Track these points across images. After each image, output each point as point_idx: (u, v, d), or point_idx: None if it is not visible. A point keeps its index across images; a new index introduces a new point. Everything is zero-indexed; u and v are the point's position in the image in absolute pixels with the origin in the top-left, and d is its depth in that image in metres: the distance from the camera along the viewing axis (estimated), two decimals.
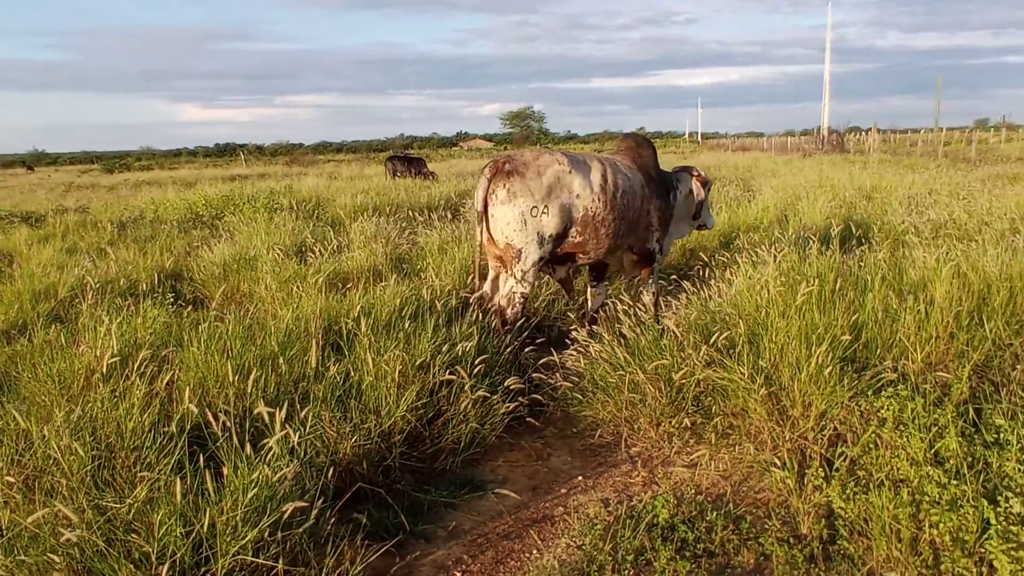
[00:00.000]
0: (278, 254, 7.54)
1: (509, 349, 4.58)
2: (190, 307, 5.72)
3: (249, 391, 3.78)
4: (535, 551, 3.15)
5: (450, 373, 4.05)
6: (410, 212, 11.74)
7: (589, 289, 5.89)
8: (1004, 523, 2.59)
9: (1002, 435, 3.13)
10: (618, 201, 5.05)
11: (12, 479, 2.94)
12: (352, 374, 4.13)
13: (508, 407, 4.07)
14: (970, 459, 3.02)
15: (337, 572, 2.89)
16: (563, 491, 3.68)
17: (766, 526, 3.09)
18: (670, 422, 3.93)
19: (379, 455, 3.70)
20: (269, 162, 52.46)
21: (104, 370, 3.86)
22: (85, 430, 3.15)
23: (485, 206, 4.90)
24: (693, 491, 3.46)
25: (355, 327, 4.42)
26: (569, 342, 4.69)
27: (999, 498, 2.70)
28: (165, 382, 3.88)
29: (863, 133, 41.49)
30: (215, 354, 4.16)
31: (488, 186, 4.86)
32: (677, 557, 2.87)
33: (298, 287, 6.35)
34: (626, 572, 2.86)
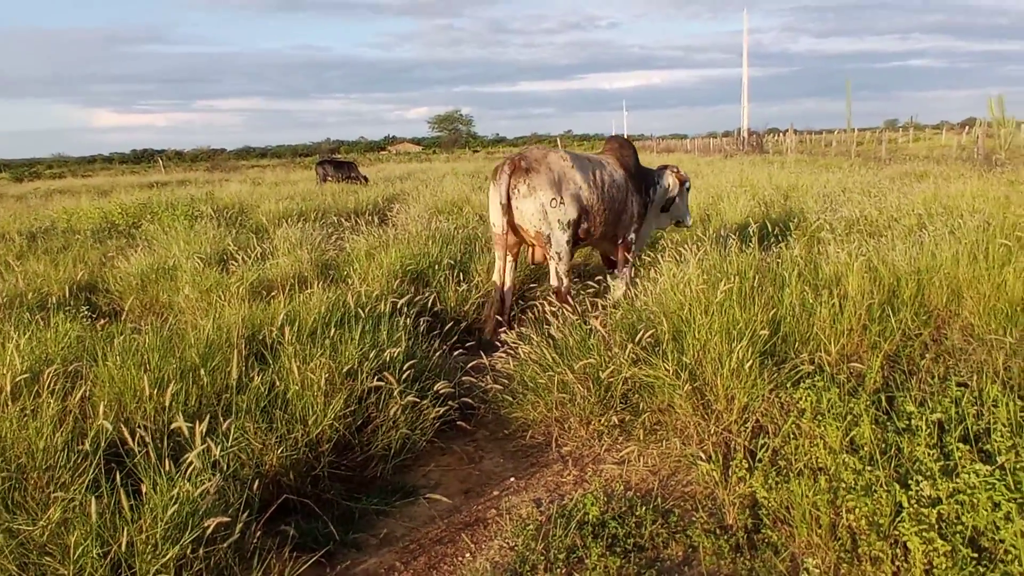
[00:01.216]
0: (198, 263, 7.35)
1: (438, 354, 4.57)
2: (105, 320, 5.52)
3: (168, 405, 3.66)
4: (468, 554, 3.15)
5: (378, 379, 4.02)
6: (337, 217, 11.62)
7: (618, 279, 6.19)
8: (915, 506, 2.72)
9: (913, 421, 3.26)
10: (606, 193, 5.77)
11: None
12: (277, 384, 4.04)
13: (438, 411, 4.06)
14: (883, 445, 3.15)
15: None
16: (495, 493, 3.68)
17: (693, 518, 3.17)
18: (599, 420, 3.98)
19: (307, 465, 3.64)
20: (189, 168, 50.98)
21: (10, 389, 3.68)
22: None
23: (507, 198, 5.46)
24: (623, 487, 3.53)
25: (279, 336, 4.34)
26: (499, 344, 4.71)
27: (910, 482, 2.83)
28: (78, 398, 3.72)
29: (781, 134, 42.99)
30: (131, 367, 4.02)
31: (509, 182, 5.46)
32: (608, 553, 2.91)
33: (220, 296, 6.20)
34: (558, 571, 2.89)
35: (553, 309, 4.75)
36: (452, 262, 7.01)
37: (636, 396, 4.04)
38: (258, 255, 7.74)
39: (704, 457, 3.43)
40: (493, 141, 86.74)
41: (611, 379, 3.99)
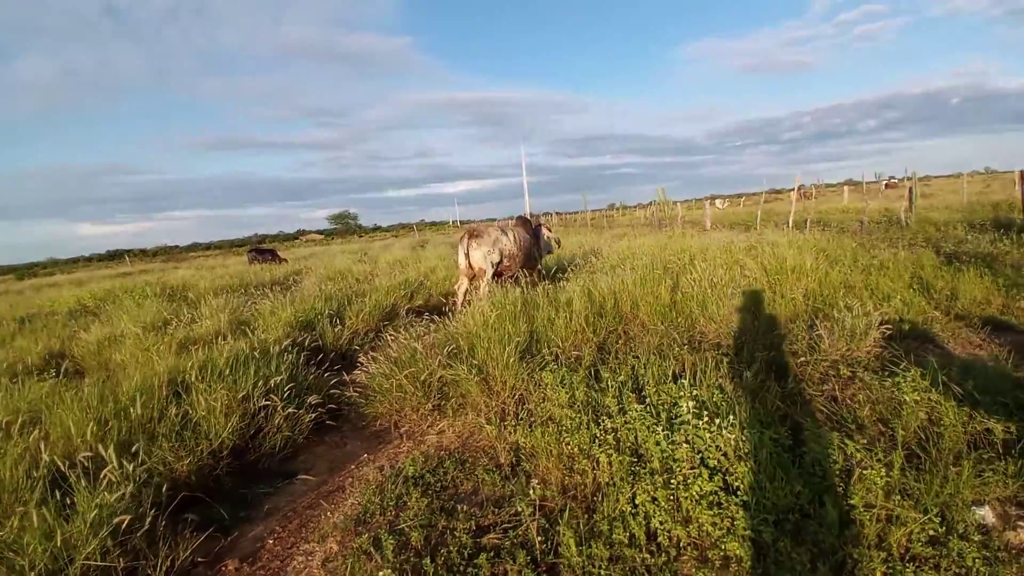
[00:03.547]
0: (139, 331, 6.47)
1: (313, 376, 4.23)
2: (65, 378, 4.70)
3: (105, 436, 3.18)
4: (329, 513, 2.89)
5: (266, 400, 3.68)
6: (257, 288, 10.71)
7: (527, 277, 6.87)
8: (603, 434, 2.83)
9: (606, 383, 3.43)
10: (520, 243, 6.73)
11: None
12: (190, 412, 3.60)
13: (310, 417, 3.77)
14: (590, 400, 3.27)
15: (170, 559, 2.47)
16: (352, 467, 3.43)
17: (480, 462, 3.11)
18: (423, 407, 3.86)
19: (210, 468, 3.24)
20: (151, 261, 45.24)
21: None
22: None
23: (467, 251, 6.39)
24: (436, 450, 3.42)
25: (191, 377, 3.88)
26: (359, 365, 4.45)
27: (601, 420, 2.95)
28: (37, 437, 3.17)
29: (549, 215, 45.07)
30: (75, 411, 3.44)
31: (468, 241, 6.39)
32: (422, 496, 2.79)
33: (155, 353, 5.47)
34: (389, 512, 2.73)
35: (393, 336, 4.56)
36: (331, 312, 6.62)
37: (447, 388, 3.95)
38: (188, 320, 6.96)
39: (486, 422, 3.40)
40: (372, 229, 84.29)
41: (429, 378, 3.89)
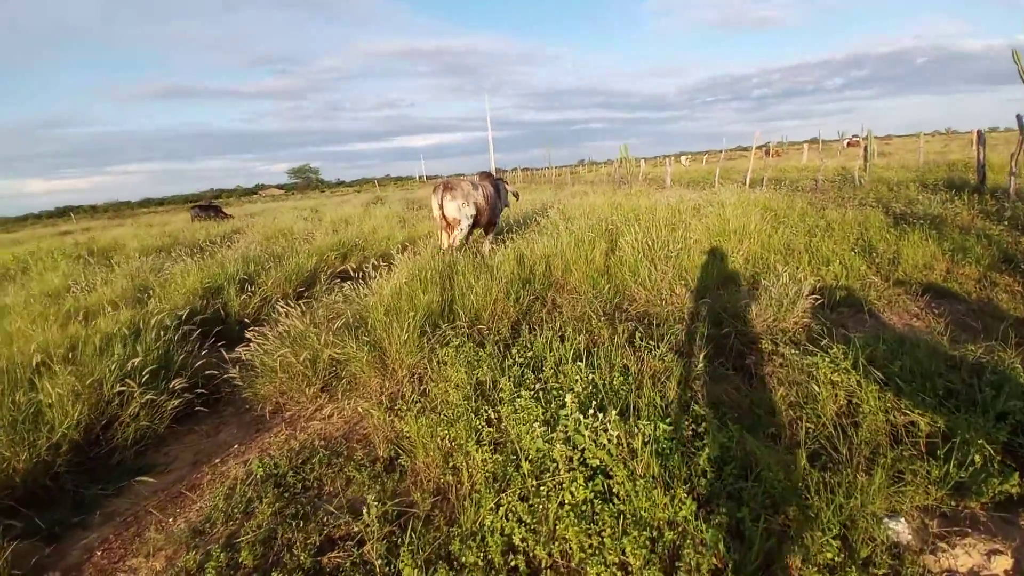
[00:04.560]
0: (31, 300, 5.81)
1: (182, 356, 3.72)
2: None
3: None
4: (172, 519, 2.49)
5: (122, 385, 3.19)
6: (183, 248, 9.96)
7: (486, 240, 7.15)
8: (483, 425, 2.46)
9: (514, 360, 3.07)
10: (487, 198, 6.78)
11: None
12: (41, 399, 3.10)
13: (174, 403, 3.30)
14: (488, 383, 2.90)
15: None
16: (218, 460, 3.00)
17: (355, 455, 2.73)
18: (311, 388, 3.44)
19: (46, 466, 2.78)
20: (98, 218, 42.67)
21: None
22: None
23: (441, 203, 6.32)
24: (317, 438, 3.02)
25: (57, 357, 3.36)
26: (248, 339, 3.97)
27: (486, 408, 2.58)
28: None
29: (515, 171, 44.12)
30: None
31: (443, 194, 6.34)
32: (276, 500, 2.40)
33: (40, 326, 4.86)
34: (234, 520, 2.34)
35: (290, 309, 4.07)
36: (244, 277, 6.06)
37: (339, 367, 3.52)
38: (86, 286, 6.30)
39: (373, 409, 3.00)
40: (335, 184, 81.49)
41: (316, 356, 3.45)
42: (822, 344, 2.85)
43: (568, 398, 2.17)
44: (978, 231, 5.68)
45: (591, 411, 2.13)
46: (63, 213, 70.29)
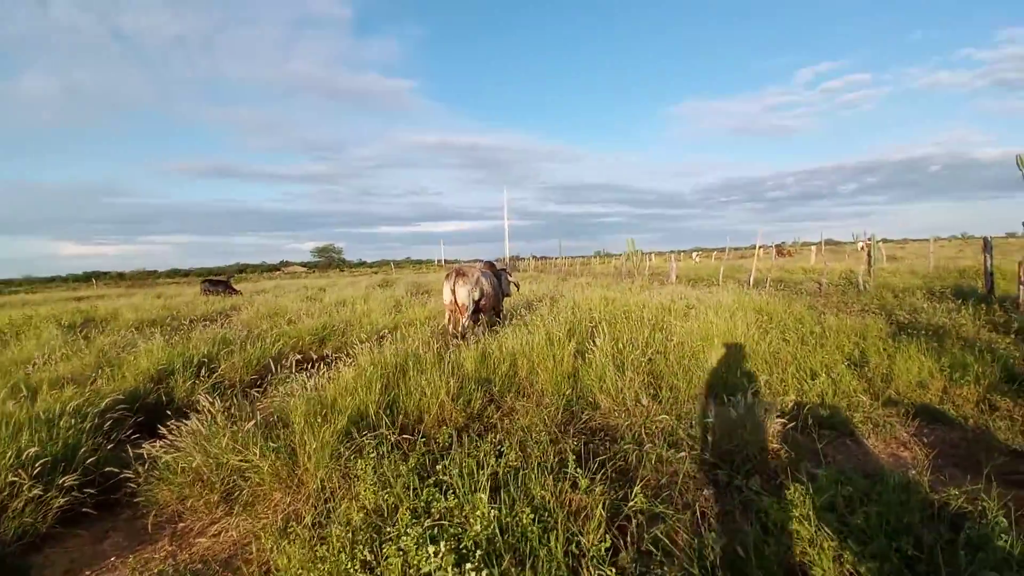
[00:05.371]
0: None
1: (83, 450, 3.40)
2: None
3: None
4: None
5: (14, 476, 2.87)
6: (186, 321, 9.90)
7: (483, 322, 7.23)
8: (356, 571, 2.06)
9: (443, 476, 2.69)
10: (492, 286, 7.34)
11: None
12: None
13: (60, 501, 2.95)
14: (420, 506, 2.51)
15: None
16: (88, 574, 2.62)
17: None
18: (210, 498, 3.06)
19: None
20: (117, 285, 43.71)
21: None
22: None
23: (453, 288, 6.93)
24: (199, 560, 2.62)
25: None
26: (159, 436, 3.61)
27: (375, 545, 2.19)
28: None
29: (527, 259, 44.81)
30: None
31: (456, 279, 6.96)
32: None
33: None
34: None
35: (205, 407, 3.70)
36: (204, 359, 5.83)
37: (239, 477, 3.13)
38: (48, 359, 6.13)
39: (264, 530, 2.61)
40: (356, 264, 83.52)
41: (218, 461, 3.10)
42: (778, 482, 2.44)
43: (439, 547, 1.79)
44: (982, 344, 5.27)
45: (467, 567, 1.75)
46: (91, 277, 72.75)
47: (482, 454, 2.98)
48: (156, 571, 2.53)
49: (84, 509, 3.08)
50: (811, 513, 2.12)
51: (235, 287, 21.33)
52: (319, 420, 3.33)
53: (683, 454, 3.10)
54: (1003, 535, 1.80)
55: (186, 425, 3.39)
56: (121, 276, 71.65)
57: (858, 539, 2.05)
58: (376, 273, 45.58)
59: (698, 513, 2.45)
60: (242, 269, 79.57)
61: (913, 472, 2.63)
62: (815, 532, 2.05)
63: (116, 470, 3.28)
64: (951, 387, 4.42)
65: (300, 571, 2.13)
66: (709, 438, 3.26)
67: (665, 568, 2.08)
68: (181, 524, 3.02)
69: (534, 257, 38.93)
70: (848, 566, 1.91)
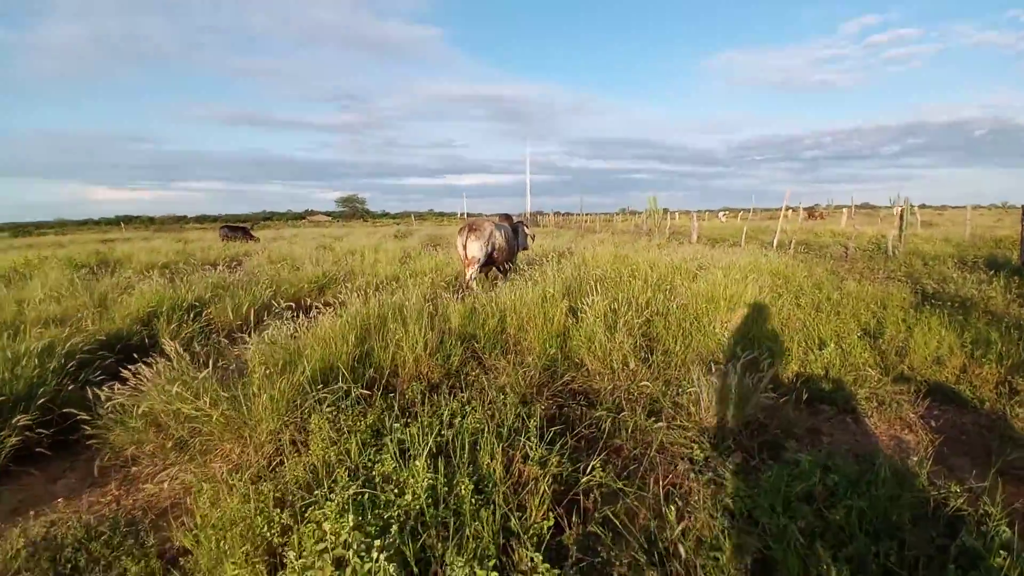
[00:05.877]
0: None
1: (42, 391, 3.31)
2: None
3: None
4: None
5: None
6: (200, 265, 9.92)
7: (499, 276, 7.57)
8: (278, 538, 1.91)
9: (392, 437, 2.52)
10: (506, 240, 7.41)
11: None
12: None
13: (14, 441, 2.88)
14: (362, 467, 2.36)
15: None
16: (33, 513, 2.54)
17: (147, 541, 2.20)
18: (165, 444, 2.96)
19: None
20: (146, 229, 44.53)
21: None
22: None
23: (465, 243, 7.03)
24: (140, 507, 2.53)
25: None
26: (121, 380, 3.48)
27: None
28: None
29: (547, 215, 43.97)
30: None
31: (467, 234, 7.04)
32: None
33: None
34: None
35: (171, 349, 3.57)
36: (196, 303, 5.75)
37: (195, 425, 3.00)
38: (45, 298, 6.14)
39: (206, 480, 2.48)
40: (379, 215, 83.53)
41: (167, 408, 2.98)
42: (754, 463, 2.19)
43: (350, 519, 1.60)
44: (1010, 320, 4.84)
45: (375, 544, 1.56)
46: (123, 221, 74.18)
47: (447, 413, 2.80)
48: (97, 515, 2.44)
49: (40, 450, 3.02)
50: (779, 505, 1.87)
51: (253, 234, 21.42)
52: (279, 370, 3.17)
53: (661, 424, 2.86)
54: (1002, 550, 1.53)
55: (149, 369, 3.27)
56: (151, 220, 73.14)
57: (835, 537, 1.80)
58: (397, 224, 45.43)
59: (662, 492, 2.23)
60: (268, 217, 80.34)
61: (912, 460, 2.35)
62: (783, 527, 1.81)
63: (75, 412, 3.19)
64: (971, 365, 4.04)
65: (228, 527, 1.99)
66: (692, 409, 3.01)
67: (613, 552, 1.88)
68: (135, 468, 2.95)
69: (556, 213, 38.15)
70: (817, 569, 1.68)
